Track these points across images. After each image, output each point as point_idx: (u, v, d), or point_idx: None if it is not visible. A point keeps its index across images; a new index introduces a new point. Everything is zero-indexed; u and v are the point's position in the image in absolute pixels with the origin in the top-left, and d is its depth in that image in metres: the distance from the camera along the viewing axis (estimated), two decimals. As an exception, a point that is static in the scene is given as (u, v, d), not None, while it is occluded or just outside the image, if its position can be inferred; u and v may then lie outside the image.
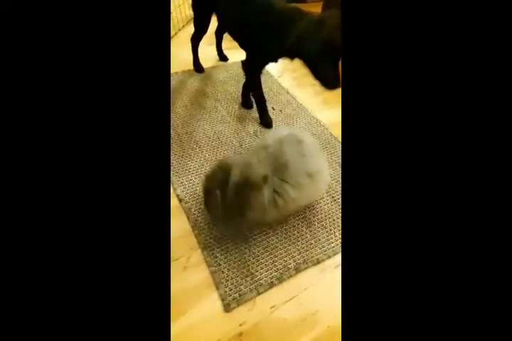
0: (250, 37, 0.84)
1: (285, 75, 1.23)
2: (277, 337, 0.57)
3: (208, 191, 0.64)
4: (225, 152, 0.90)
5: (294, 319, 0.59)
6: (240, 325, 0.58)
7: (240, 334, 0.57)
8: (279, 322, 0.59)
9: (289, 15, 0.73)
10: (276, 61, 0.90)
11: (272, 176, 0.61)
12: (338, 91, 1.21)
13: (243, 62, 0.92)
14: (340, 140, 0.98)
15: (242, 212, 0.61)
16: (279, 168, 0.62)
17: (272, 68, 1.25)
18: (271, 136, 0.70)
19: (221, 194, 0.61)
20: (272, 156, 0.63)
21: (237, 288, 0.62)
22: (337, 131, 1.01)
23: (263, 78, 1.13)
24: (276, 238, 0.71)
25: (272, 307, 0.61)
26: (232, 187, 0.60)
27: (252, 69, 0.92)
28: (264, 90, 0.97)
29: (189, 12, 1.47)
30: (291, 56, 0.77)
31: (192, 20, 1.09)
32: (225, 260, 0.66)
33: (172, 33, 1.38)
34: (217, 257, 0.66)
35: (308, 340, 0.57)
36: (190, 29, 1.11)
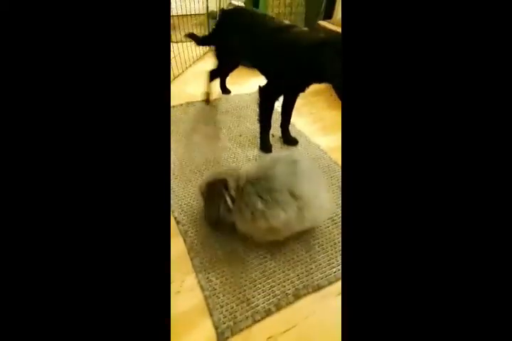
0: (278, 68, 0.91)
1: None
2: (274, 373, 0.53)
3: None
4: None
5: (293, 352, 0.55)
6: (234, 357, 0.54)
7: (234, 368, 0.53)
8: (276, 356, 0.55)
9: (314, 48, 0.78)
10: (303, 90, 0.96)
11: (251, 187, 0.64)
12: (335, 119, 1.29)
13: (262, 88, 0.99)
14: (339, 163, 1.01)
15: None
16: (264, 181, 0.63)
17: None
18: (269, 156, 0.74)
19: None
20: (261, 170, 0.66)
21: (232, 315, 0.59)
22: (336, 156, 1.04)
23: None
24: (275, 262, 0.69)
25: (268, 338, 0.57)
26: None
27: (272, 95, 0.97)
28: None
29: (196, 51, 1.66)
30: (319, 81, 0.86)
31: (198, 60, 1.24)
32: (221, 284, 0.64)
33: (179, 71, 1.54)
34: (212, 281, 0.65)
35: (309, 377, 0.52)
36: (197, 68, 1.25)
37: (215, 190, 0.66)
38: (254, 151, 1.05)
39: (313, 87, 1.52)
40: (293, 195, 0.62)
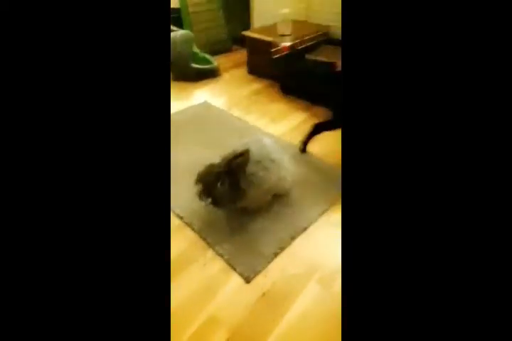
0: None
1: (233, 108, 1.58)
2: (291, 286, 0.76)
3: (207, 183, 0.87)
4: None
5: (299, 272, 0.80)
6: (262, 288, 0.76)
7: (263, 294, 0.75)
8: (289, 277, 0.79)
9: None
10: None
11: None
12: (280, 110, 1.57)
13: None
14: (291, 142, 1.29)
15: (234, 198, 0.84)
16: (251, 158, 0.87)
17: (221, 104, 1.59)
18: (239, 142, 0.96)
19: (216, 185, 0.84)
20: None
21: (251, 264, 0.81)
22: (287, 138, 1.32)
23: (217, 111, 1.46)
24: (268, 221, 0.93)
25: (282, 269, 0.80)
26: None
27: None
28: (220, 120, 1.26)
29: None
30: None
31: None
32: (234, 249, 0.85)
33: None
34: (226, 249, 0.86)
35: (315, 282, 0.77)
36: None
37: (213, 174, 0.86)
38: (226, 150, 1.27)
39: (254, 87, 1.80)
40: (272, 161, 0.88)
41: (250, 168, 0.85)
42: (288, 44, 1.42)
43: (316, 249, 0.85)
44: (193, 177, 1.13)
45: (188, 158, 1.21)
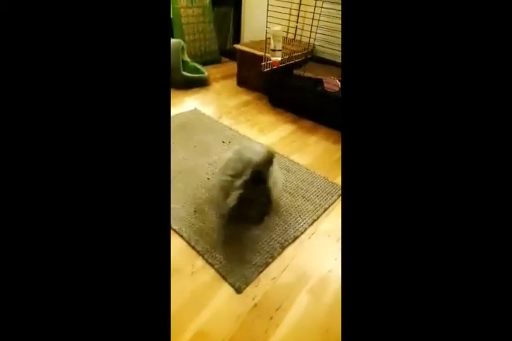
0: None
1: (223, 117, 1.60)
2: (283, 297, 0.75)
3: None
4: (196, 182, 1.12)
5: (292, 281, 0.79)
6: (253, 298, 0.74)
7: (255, 305, 0.73)
8: (281, 287, 0.78)
9: None
10: None
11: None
12: (268, 122, 1.62)
13: None
14: (280, 153, 1.32)
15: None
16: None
17: (211, 113, 1.60)
18: (234, 152, 0.95)
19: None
20: (244, 162, 0.85)
21: (242, 274, 0.79)
22: (276, 148, 1.35)
23: (207, 120, 1.47)
24: (260, 231, 0.93)
25: (273, 279, 0.79)
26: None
27: None
28: (209, 128, 1.26)
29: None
30: None
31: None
32: (224, 258, 0.84)
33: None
34: (217, 257, 0.84)
35: (306, 291, 0.77)
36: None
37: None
38: (212, 156, 1.26)
39: (243, 98, 1.85)
40: (270, 173, 0.87)
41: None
42: (279, 59, 1.49)
43: (307, 258, 0.86)
44: (182, 183, 1.12)
45: (176, 164, 1.19)
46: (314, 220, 0.99)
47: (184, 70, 1.83)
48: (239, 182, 0.78)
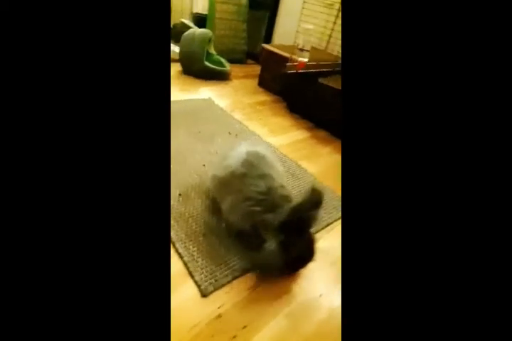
0: None
1: (236, 111, 1.53)
2: (256, 314, 0.62)
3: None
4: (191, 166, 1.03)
5: (270, 298, 0.66)
6: (219, 307, 0.61)
7: (219, 316, 0.60)
8: (256, 302, 0.64)
9: None
10: None
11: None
12: (279, 124, 1.55)
13: None
14: (287, 155, 1.22)
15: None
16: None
17: (224, 105, 1.54)
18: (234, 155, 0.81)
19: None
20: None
21: (213, 275, 0.67)
22: (284, 151, 1.26)
23: (218, 110, 1.40)
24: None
25: (248, 289, 0.66)
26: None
27: None
28: (219, 119, 1.19)
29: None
30: None
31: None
32: (198, 251, 0.71)
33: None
34: (189, 249, 0.71)
35: (285, 315, 0.63)
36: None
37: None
38: (213, 146, 1.18)
39: (261, 98, 1.80)
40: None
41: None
42: (305, 60, 1.44)
43: (295, 274, 0.73)
44: (175, 164, 1.01)
45: (174, 145, 1.10)
46: (317, 231, 0.87)
47: (207, 62, 1.81)
48: (275, 220, 0.64)
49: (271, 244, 0.63)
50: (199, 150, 1.13)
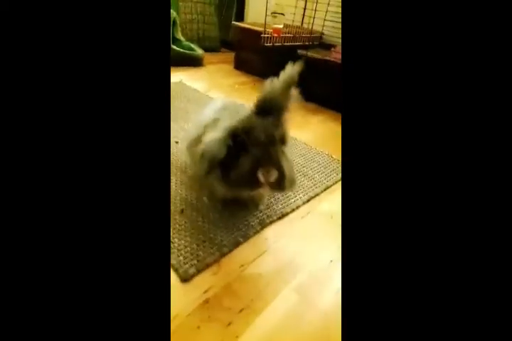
0: None
1: (212, 91, 1.42)
2: (254, 293, 0.49)
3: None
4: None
5: (270, 272, 0.53)
6: (205, 291, 0.48)
7: (207, 301, 0.47)
8: (253, 279, 0.52)
9: None
10: None
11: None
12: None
13: None
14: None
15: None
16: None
17: (199, 87, 1.43)
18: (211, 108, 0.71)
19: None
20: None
21: (195, 255, 0.54)
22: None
23: (192, 92, 1.31)
24: (232, 203, 0.68)
25: (241, 266, 0.53)
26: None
27: None
28: (192, 99, 1.07)
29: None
30: None
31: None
32: (175, 230, 0.58)
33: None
34: (163, 229, 0.58)
35: (293, 288, 0.50)
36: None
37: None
38: (188, 123, 1.06)
39: (240, 79, 1.68)
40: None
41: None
42: (281, 26, 1.34)
43: (297, 242, 0.60)
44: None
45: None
46: (311, 197, 0.74)
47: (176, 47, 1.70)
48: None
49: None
50: (171, 128, 1.01)
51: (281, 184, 0.50)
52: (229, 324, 0.44)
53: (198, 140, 0.61)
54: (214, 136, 0.54)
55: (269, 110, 0.52)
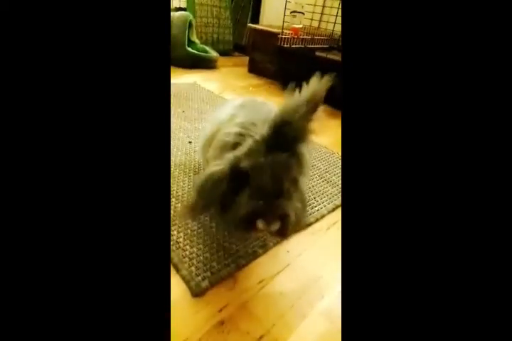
0: None
1: (226, 92, 1.38)
2: (276, 316, 0.42)
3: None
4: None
5: (293, 291, 0.47)
6: (220, 310, 0.42)
7: (221, 322, 0.40)
8: (274, 299, 0.45)
9: None
10: None
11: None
12: (282, 102, 1.39)
13: None
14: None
15: None
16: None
17: (213, 89, 1.40)
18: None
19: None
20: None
21: (208, 266, 0.48)
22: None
23: (205, 92, 1.29)
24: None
25: (260, 282, 0.47)
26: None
27: None
28: (206, 100, 1.04)
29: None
30: None
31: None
32: (186, 236, 0.53)
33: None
34: (173, 235, 0.53)
35: (320, 312, 0.44)
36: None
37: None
38: (202, 123, 1.01)
39: (254, 82, 1.66)
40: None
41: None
42: (300, 26, 1.31)
43: (323, 257, 0.54)
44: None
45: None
46: (337, 206, 0.68)
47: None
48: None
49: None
50: (184, 128, 0.96)
51: (283, 232, 0.41)
52: (248, 352, 0.38)
53: (212, 138, 0.56)
54: (214, 169, 0.44)
55: (284, 139, 0.40)
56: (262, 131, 0.42)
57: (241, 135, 0.45)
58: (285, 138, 0.40)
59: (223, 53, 2.13)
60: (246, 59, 1.92)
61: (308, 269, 0.51)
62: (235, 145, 0.45)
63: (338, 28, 1.62)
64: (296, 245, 0.56)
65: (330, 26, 1.74)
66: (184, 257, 0.49)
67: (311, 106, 0.39)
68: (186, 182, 0.69)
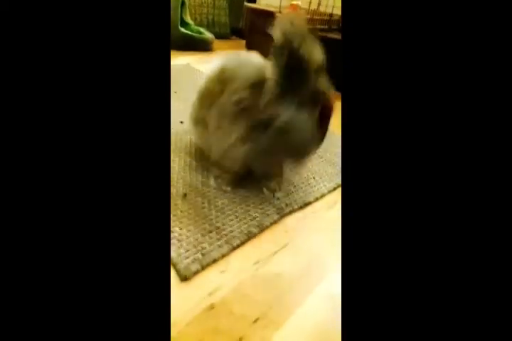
0: None
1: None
2: (273, 299, 0.39)
3: None
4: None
5: (292, 272, 0.43)
6: (210, 294, 0.38)
7: (212, 306, 0.37)
8: (270, 281, 0.41)
9: None
10: None
11: None
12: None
13: None
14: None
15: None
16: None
17: (207, 70, 1.34)
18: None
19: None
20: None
21: (198, 247, 0.44)
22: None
23: (199, 74, 1.23)
24: (245, 189, 0.58)
25: (255, 263, 0.43)
26: None
27: None
28: (199, 80, 0.99)
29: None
30: None
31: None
32: (175, 217, 0.49)
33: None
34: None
35: (321, 294, 0.40)
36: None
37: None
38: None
39: None
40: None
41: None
42: (299, 3, 1.24)
43: (322, 235, 0.50)
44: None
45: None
46: (338, 185, 0.64)
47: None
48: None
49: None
50: (176, 108, 0.91)
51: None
52: (240, 338, 0.35)
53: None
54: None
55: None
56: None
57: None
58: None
59: (219, 36, 2.04)
60: (243, 42, 1.85)
61: (307, 250, 0.47)
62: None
63: (337, 12, 1.55)
64: (295, 225, 0.52)
65: (328, 10, 1.67)
66: (173, 239, 0.45)
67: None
68: (176, 161, 0.65)
